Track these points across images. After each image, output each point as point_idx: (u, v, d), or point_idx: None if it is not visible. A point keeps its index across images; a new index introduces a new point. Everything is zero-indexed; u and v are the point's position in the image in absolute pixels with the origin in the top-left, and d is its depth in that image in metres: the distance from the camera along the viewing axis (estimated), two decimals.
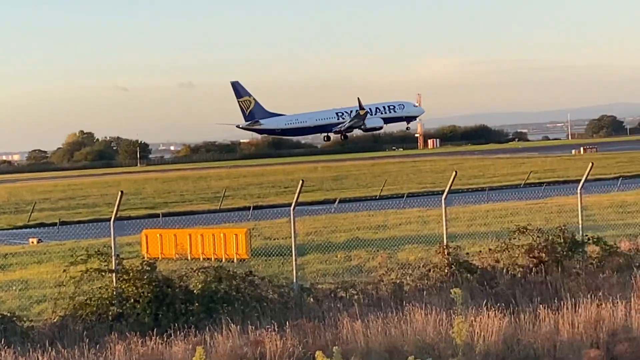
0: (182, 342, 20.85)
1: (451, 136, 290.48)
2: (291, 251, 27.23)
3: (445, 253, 27.42)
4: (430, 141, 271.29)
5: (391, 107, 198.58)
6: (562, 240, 27.69)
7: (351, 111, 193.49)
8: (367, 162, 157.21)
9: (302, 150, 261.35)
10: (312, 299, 25.47)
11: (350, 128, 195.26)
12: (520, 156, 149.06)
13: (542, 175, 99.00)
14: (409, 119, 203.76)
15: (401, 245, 39.89)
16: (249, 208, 72.05)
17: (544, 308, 21.15)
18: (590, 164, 30.95)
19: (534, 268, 26.79)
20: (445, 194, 28.65)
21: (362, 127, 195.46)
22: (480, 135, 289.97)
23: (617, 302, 21.12)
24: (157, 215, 69.11)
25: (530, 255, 27.29)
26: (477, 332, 19.54)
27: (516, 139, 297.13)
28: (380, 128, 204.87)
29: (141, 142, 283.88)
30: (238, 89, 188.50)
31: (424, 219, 52.27)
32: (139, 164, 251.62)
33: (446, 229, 28.63)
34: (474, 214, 51.88)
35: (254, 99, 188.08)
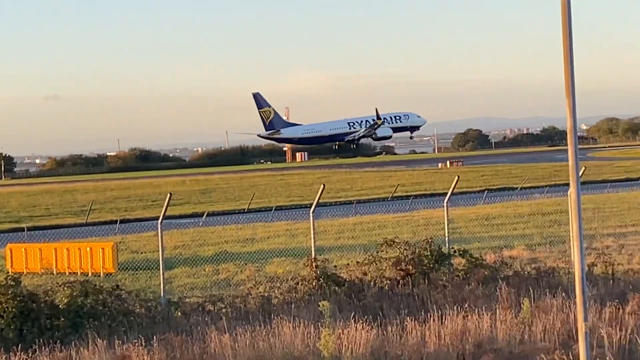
0: (47, 358, 20.35)
1: (319, 149, 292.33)
2: (159, 265, 26.88)
3: (314, 266, 27.44)
4: (298, 154, 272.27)
5: (397, 117, 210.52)
6: (428, 253, 27.99)
7: (361, 121, 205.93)
8: (235, 175, 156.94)
9: (170, 163, 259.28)
10: (179, 313, 25.18)
11: (362, 137, 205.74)
12: (387, 169, 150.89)
13: (409, 188, 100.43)
14: (413, 128, 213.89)
15: (269, 259, 39.84)
16: (116, 222, 71.07)
17: (411, 320, 21.33)
18: (456, 178, 31.49)
19: (401, 280, 27.02)
20: (313, 207, 28.71)
21: (373, 136, 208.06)
22: (348, 148, 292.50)
23: (483, 313, 21.46)
24: (22, 229, 67.47)
25: (398, 268, 27.52)
26: (345, 345, 19.58)
27: (384, 153, 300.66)
28: (390, 137, 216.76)
29: (5, 155, 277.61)
30: (259, 100, 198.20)
31: (292, 232, 52.36)
32: (3, 177, 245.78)
33: (314, 242, 28.68)
34: (342, 227, 52.24)
35: (273, 109, 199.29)
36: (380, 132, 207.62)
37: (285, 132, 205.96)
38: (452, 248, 29.24)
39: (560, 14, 15.83)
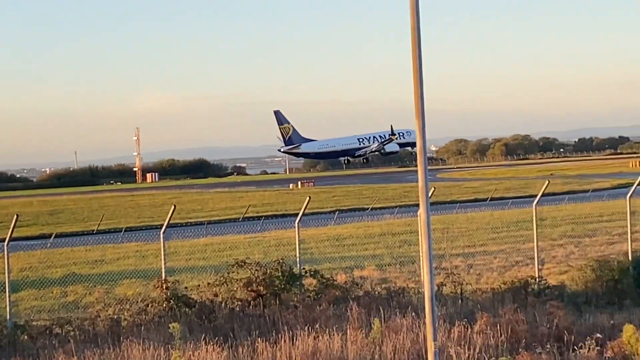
0: None
1: (170, 170, 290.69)
2: (4, 288, 26.07)
3: (164, 287, 27.05)
4: (148, 175, 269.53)
5: (401, 133, 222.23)
6: (280, 274, 27.93)
7: (369, 137, 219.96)
8: (84, 196, 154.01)
9: (18, 184, 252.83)
10: (26, 337, 24.45)
11: (373, 152, 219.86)
12: (239, 190, 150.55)
13: (261, 208, 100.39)
14: (414, 144, 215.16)
15: (119, 280, 39.12)
16: None
17: (262, 341, 21.23)
18: (308, 198, 31.57)
19: (252, 301, 26.89)
20: (163, 227, 28.34)
21: (382, 151, 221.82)
22: (199, 169, 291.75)
23: (334, 333, 21.52)
24: None
25: (249, 289, 27.38)
26: None
27: (235, 173, 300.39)
28: (397, 152, 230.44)
29: None
30: (279, 117, 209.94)
31: (143, 253, 51.61)
32: None
33: (165, 263, 28.29)
34: (193, 248, 51.75)
35: (292, 126, 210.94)
36: (388, 147, 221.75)
37: (304, 147, 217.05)
38: (304, 268, 29.28)
39: (410, 40, 16.04)
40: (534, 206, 30.43)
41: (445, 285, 28.12)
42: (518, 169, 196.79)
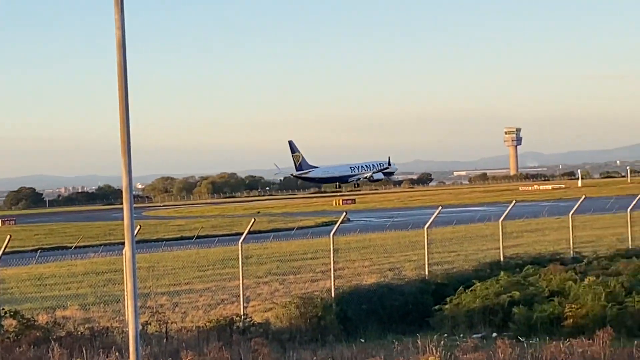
0: None
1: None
2: None
3: None
4: None
5: (381, 164, 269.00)
6: None
7: (359, 166, 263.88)
8: None
9: None
10: None
11: (364, 178, 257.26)
12: None
13: None
14: (389, 174, 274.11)
15: None
16: None
17: None
18: (8, 237, 30.32)
19: None
20: None
21: (371, 178, 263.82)
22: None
23: None
24: None
25: None
26: None
27: None
28: (380, 180, 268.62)
29: None
30: (292, 147, 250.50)
31: None
32: None
33: None
34: None
35: (301, 154, 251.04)
36: (376, 175, 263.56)
37: (312, 173, 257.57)
38: (3, 309, 28.02)
39: (117, 77, 15.76)
40: (240, 244, 30.68)
41: (150, 324, 27.73)
42: (225, 207, 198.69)
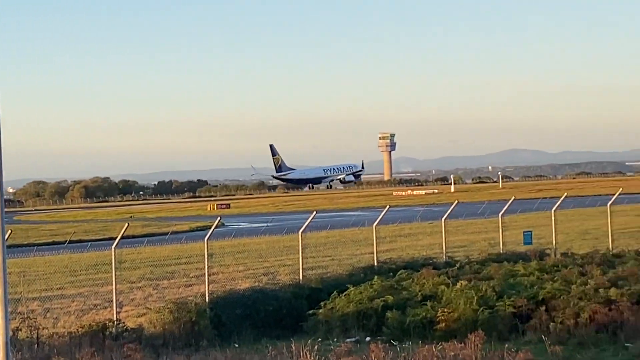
0: None
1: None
2: None
3: None
4: None
5: (352, 166, 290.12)
6: None
7: (331, 169, 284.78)
8: None
9: None
10: None
11: (336, 180, 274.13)
12: None
13: None
14: (358, 175, 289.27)
15: None
16: None
17: None
18: None
19: None
20: None
21: (342, 179, 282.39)
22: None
23: None
24: None
25: None
26: None
27: None
28: (352, 182, 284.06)
29: None
30: (273, 150, 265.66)
31: None
32: None
33: None
34: None
35: (280, 157, 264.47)
36: (347, 178, 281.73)
37: (290, 175, 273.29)
38: None
39: None
40: (113, 249, 30.23)
41: (21, 330, 27.13)
42: (98, 212, 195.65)
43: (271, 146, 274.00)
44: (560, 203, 46.23)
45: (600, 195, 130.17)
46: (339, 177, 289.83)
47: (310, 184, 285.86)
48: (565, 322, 25.51)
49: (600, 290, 27.43)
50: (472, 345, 20.72)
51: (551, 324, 25.51)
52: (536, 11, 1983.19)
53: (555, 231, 44.25)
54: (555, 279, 30.23)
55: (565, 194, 50.79)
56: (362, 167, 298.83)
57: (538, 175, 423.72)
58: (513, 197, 47.14)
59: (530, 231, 45.01)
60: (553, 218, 44.47)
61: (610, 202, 47.33)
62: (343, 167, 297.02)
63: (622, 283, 28.94)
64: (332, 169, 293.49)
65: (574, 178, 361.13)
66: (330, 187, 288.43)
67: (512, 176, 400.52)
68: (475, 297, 27.13)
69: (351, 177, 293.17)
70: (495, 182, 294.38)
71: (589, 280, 29.35)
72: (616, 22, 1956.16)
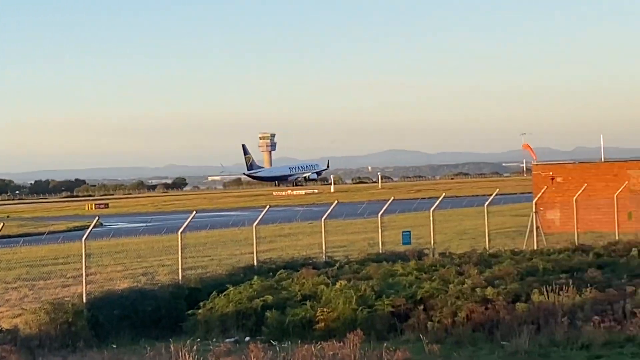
0: None
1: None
2: None
3: None
4: None
5: (315, 165, 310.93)
6: None
7: (296, 167, 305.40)
8: None
9: None
10: None
11: (302, 177, 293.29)
12: None
13: None
14: (319, 173, 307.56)
15: None
16: None
17: None
18: None
19: None
20: None
21: (307, 177, 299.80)
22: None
23: None
24: None
25: None
26: None
27: None
28: (315, 179, 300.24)
29: None
30: (245, 149, 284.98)
31: None
32: None
33: None
34: None
35: (251, 156, 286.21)
36: (311, 176, 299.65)
37: (260, 173, 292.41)
38: None
39: None
40: None
41: None
42: None
43: (243, 146, 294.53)
44: (439, 203, 46.86)
45: (477, 195, 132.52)
46: (304, 174, 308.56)
47: (277, 181, 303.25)
48: (442, 321, 25.86)
49: (477, 289, 27.92)
50: (351, 344, 20.81)
51: (429, 323, 25.83)
52: (399, 10, 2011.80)
53: (433, 231, 44.85)
54: (433, 278, 30.66)
55: (444, 194, 51.58)
56: (327, 166, 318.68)
57: (417, 176, 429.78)
58: (392, 198, 47.52)
59: (409, 231, 45.50)
60: (431, 218, 45.07)
61: (487, 203, 48.26)
62: (307, 166, 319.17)
63: (499, 282, 29.55)
64: (297, 167, 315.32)
65: (452, 178, 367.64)
66: (296, 184, 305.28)
67: (391, 176, 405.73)
68: (355, 297, 27.29)
69: (315, 176, 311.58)
70: (375, 182, 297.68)
71: (466, 280, 29.85)
72: (495, 22, 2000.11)
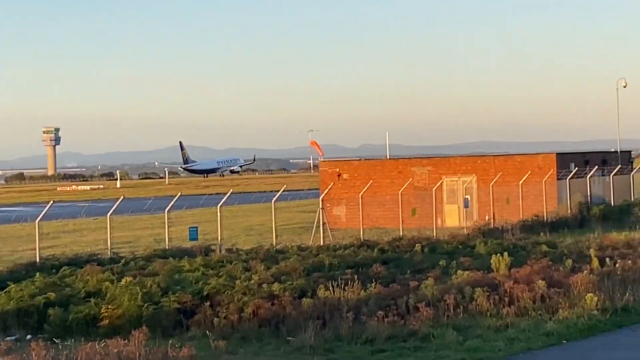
0: None
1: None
2: None
3: None
4: None
5: (238, 159, 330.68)
6: None
7: (223, 161, 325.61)
8: None
9: None
10: None
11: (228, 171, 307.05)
12: None
13: None
14: (242, 166, 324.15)
15: None
16: None
17: None
18: None
19: None
20: None
21: (232, 170, 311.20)
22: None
23: None
24: None
25: None
26: None
27: None
28: (238, 172, 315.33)
29: None
30: (181, 146, 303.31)
31: None
32: None
33: None
34: None
35: (187, 152, 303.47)
36: (236, 169, 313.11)
37: (194, 166, 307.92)
38: None
39: None
40: None
41: None
42: None
43: (180, 142, 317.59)
44: (226, 199, 46.86)
45: (265, 191, 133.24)
46: (230, 168, 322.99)
47: (206, 174, 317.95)
48: (229, 317, 25.80)
49: (264, 285, 28.03)
50: (136, 341, 20.48)
51: (215, 319, 25.72)
52: (209, 15, 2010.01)
53: (220, 227, 44.80)
54: (220, 274, 30.63)
55: (232, 190, 51.60)
56: (254, 160, 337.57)
57: None
58: (179, 193, 47.21)
59: (196, 227, 45.27)
60: (219, 214, 45.00)
61: (274, 199, 48.58)
62: (232, 160, 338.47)
63: (285, 278, 29.78)
64: (224, 161, 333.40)
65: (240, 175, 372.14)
66: (223, 175, 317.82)
67: (179, 172, 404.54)
68: (140, 294, 26.87)
69: (239, 168, 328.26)
70: (162, 178, 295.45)
71: (253, 276, 29.95)
72: (273, 19, 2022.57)
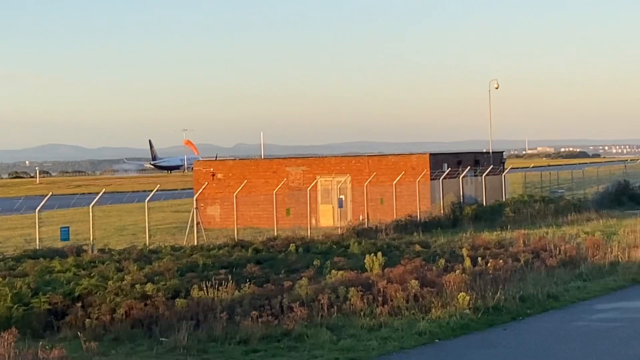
0: None
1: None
2: None
3: None
4: None
5: (198, 158, 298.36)
6: None
7: (186, 159, 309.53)
8: None
9: None
10: None
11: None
12: None
13: None
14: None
15: None
16: None
17: None
18: None
19: None
20: None
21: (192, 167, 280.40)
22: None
23: None
24: None
25: None
26: None
27: None
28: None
29: None
30: (151, 144, 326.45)
31: None
32: None
33: None
34: None
35: (155, 150, 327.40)
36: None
37: (161, 163, 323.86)
38: None
39: None
40: None
41: None
42: None
43: (149, 141, 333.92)
44: (98, 199, 46.20)
45: (138, 191, 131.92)
46: (190, 166, 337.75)
47: (170, 169, 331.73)
48: (101, 317, 25.43)
49: (137, 285, 27.71)
50: (5, 343, 20.05)
51: (87, 320, 25.32)
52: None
53: (92, 227, 44.12)
54: (92, 275, 30.19)
55: (104, 189, 50.85)
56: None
57: (77, 171, 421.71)
58: (50, 193, 46.31)
59: (68, 227, 44.47)
60: (91, 214, 44.31)
61: (147, 199, 48.09)
62: (194, 158, 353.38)
63: (158, 278, 29.51)
64: (186, 159, 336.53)
65: (113, 174, 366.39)
66: (184, 172, 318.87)
67: (50, 171, 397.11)
68: (10, 295, 26.24)
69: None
70: (33, 177, 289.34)
71: (125, 276, 29.58)
72: (153, 23, 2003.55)
